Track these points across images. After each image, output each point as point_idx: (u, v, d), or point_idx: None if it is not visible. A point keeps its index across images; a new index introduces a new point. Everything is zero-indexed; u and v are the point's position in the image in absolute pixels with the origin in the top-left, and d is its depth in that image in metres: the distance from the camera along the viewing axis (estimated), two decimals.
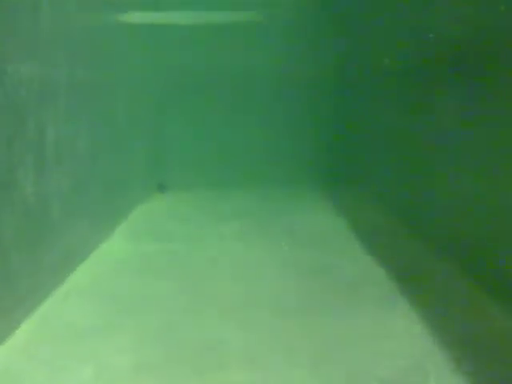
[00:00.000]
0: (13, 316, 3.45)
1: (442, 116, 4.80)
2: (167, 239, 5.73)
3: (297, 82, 8.51)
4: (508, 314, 3.55)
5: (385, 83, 6.50)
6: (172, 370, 2.99)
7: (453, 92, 4.55)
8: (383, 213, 6.38)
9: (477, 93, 4.14)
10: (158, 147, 8.52)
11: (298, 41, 8.51)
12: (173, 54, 8.41)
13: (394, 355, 3.11)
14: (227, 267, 4.78)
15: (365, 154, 7.52)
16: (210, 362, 3.04)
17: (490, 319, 3.52)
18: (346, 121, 8.27)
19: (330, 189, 8.19)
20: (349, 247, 5.32)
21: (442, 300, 3.86)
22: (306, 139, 8.66)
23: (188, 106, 8.53)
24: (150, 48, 8.14)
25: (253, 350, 3.21)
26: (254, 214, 6.93)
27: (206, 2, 8.18)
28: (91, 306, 3.92)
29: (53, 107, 4.24)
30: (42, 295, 3.93)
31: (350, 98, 8.13)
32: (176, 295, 4.12)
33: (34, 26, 3.93)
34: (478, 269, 4.05)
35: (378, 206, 6.65)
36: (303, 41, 8.51)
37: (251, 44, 8.48)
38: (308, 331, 3.47)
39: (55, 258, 4.21)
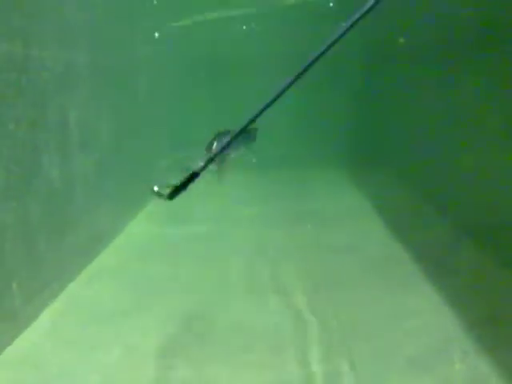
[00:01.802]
0: (40, 299, 3.50)
1: (468, 95, 4.72)
2: (191, 221, 5.74)
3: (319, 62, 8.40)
4: None
5: (411, 64, 6.40)
6: (198, 351, 3.01)
7: (481, 71, 4.47)
8: (408, 193, 6.32)
9: (503, 72, 4.06)
10: (182, 128, 8.50)
11: (323, 17, 8.38)
12: (195, 35, 8.34)
13: (420, 334, 3.10)
14: (252, 248, 4.78)
15: (389, 133, 7.44)
16: (237, 344, 3.06)
17: None
18: (371, 101, 8.17)
19: (355, 169, 8.12)
20: (373, 227, 5.29)
21: (467, 280, 3.82)
22: (329, 120, 8.57)
23: (211, 87, 8.48)
24: (172, 30, 8.12)
25: (279, 329, 3.21)
26: (278, 195, 6.91)
27: None
28: (116, 287, 3.96)
29: (76, 91, 4.26)
30: (68, 277, 3.98)
31: (375, 78, 8.02)
32: (201, 277, 4.13)
33: (57, 11, 3.94)
34: (503, 248, 4.00)
35: (403, 186, 6.58)
36: (329, 17, 8.37)
37: (275, 23, 8.38)
38: (335, 310, 3.47)
39: (81, 241, 4.25)
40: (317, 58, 2.01)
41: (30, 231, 3.43)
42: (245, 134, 2.36)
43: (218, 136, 2.45)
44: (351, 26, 1.85)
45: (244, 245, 4.89)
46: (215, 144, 2.43)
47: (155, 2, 7.14)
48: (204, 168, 2.24)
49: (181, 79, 8.32)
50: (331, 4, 7.87)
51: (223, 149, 2.22)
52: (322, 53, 1.98)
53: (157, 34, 7.56)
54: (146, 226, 5.63)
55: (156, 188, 2.33)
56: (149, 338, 3.16)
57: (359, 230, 5.28)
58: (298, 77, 2.11)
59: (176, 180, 2.11)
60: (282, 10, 8.28)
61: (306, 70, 2.11)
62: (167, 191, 2.26)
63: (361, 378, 2.71)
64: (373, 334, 3.16)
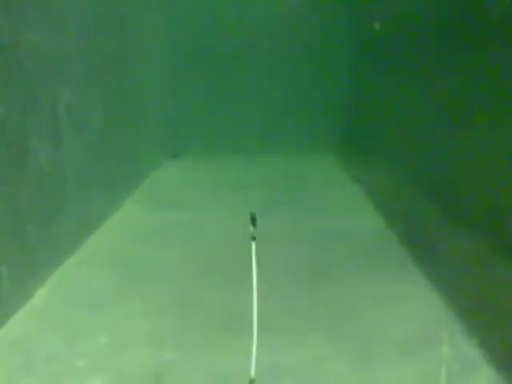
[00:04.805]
0: (28, 284, 3.50)
1: (458, 81, 4.71)
2: (180, 207, 5.73)
3: (309, 47, 8.38)
4: None
5: (401, 48, 6.38)
6: (186, 336, 3.02)
7: (471, 56, 4.46)
8: (398, 179, 6.32)
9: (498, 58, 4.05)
10: (172, 114, 8.49)
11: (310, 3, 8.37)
12: (186, 19, 8.29)
13: (409, 319, 3.12)
14: (240, 235, 4.76)
15: (378, 119, 7.43)
16: (225, 329, 3.06)
17: (506, 286, 3.50)
18: (360, 87, 8.16)
19: (343, 155, 8.13)
20: (364, 213, 5.31)
21: (456, 266, 3.84)
22: (318, 106, 8.56)
23: (202, 73, 8.44)
24: (164, 14, 8.07)
25: (269, 315, 3.21)
26: (266, 182, 6.91)
27: None
28: (105, 273, 3.95)
29: (66, 76, 4.23)
30: (56, 263, 3.97)
31: (364, 63, 7.99)
32: (189, 263, 4.13)
33: None
34: (494, 234, 4.01)
35: (393, 172, 6.58)
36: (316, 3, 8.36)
37: (263, 9, 8.35)
38: (323, 296, 3.49)
39: (69, 227, 4.24)
40: None
41: (19, 215, 3.41)
42: None
43: None
44: None
45: (230, 232, 4.87)
46: None
47: None
48: None
49: (176, 65, 8.31)
50: None
51: None
52: None
53: None
54: (135, 211, 5.62)
55: None
56: (137, 323, 3.16)
57: (349, 215, 5.29)
58: None
59: None
60: None
61: None
62: None
63: (347, 361, 2.73)
64: (360, 317, 3.18)
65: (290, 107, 8.55)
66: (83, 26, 4.67)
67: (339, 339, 2.94)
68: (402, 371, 2.63)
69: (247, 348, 2.85)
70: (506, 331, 2.90)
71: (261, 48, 8.37)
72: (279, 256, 4.18)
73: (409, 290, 3.53)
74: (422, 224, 4.83)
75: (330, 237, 4.64)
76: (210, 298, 3.48)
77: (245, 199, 5.93)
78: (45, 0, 3.87)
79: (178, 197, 6.23)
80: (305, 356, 2.81)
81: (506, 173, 3.89)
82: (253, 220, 2.28)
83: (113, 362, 2.78)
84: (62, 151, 4.14)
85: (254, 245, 2.20)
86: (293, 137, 8.50)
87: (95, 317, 3.26)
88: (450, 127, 4.91)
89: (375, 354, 2.78)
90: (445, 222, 4.69)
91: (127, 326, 3.13)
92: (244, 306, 3.33)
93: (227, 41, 8.30)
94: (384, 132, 7.27)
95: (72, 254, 4.24)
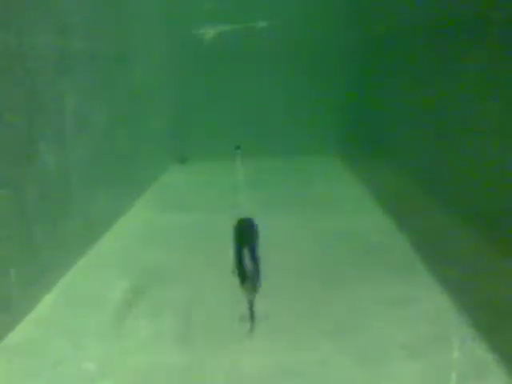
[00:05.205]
0: (37, 288, 3.49)
1: (463, 79, 4.69)
2: (188, 210, 5.72)
3: (308, 47, 8.37)
4: None
5: (402, 45, 6.36)
6: (192, 340, 3.01)
7: (474, 54, 4.44)
8: (404, 180, 6.30)
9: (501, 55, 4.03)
10: (179, 118, 8.48)
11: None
12: (187, 19, 8.29)
13: (417, 322, 3.09)
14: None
15: (383, 119, 7.40)
16: (233, 332, 3.05)
17: None
18: (364, 86, 8.13)
19: (349, 156, 8.09)
20: (370, 213, 5.29)
21: (465, 267, 3.81)
22: (320, 107, 8.54)
23: (208, 77, 8.44)
24: (170, 16, 8.07)
25: (276, 318, 3.20)
26: (272, 183, 6.89)
27: None
28: (114, 275, 3.95)
29: (71, 80, 4.23)
30: (64, 267, 3.97)
31: (365, 62, 7.96)
32: (198, 265, 4.12)
33: None
34: (506, 236, 3.99)
35: (401, 172, 6.56)
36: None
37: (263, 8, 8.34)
38: (331, 298, 3.46)
39: (77, 230, 4.24)
40: None
41: (26, 220, 3.41)
42: None
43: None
44: None
45: None
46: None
47: None
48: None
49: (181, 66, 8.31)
50: None
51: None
52: None
53: None
54: (143, 214, 5.61)
55: None
56: (145, 326, 3.15)
57: (355, 216, 5.27)
58: None
59: None
60: None
61: None
62: None
63: (352, 364, 2.71)
64: (367, 320, 3.17)
65: (294, 109, 8.53)
66: (88, 28, 4.66)
67: (347, 342, 2.92)
68: (411, 374, 2.62)
69: (248, 350, 2.86)
70: None
71: (263, 52, 8.35)
72: (283, 257, 4.16)
73: (417, 291, 3.51)
74: (430, 225, 4.79)
75: (336, 237, 4.62)
76: (216, 301, 3.47)
77: (250, 201, 5.91)
78: (47, 2, 3.87)
79: (185, 200, 6.23)
80: (308, 358, 2.79)
81: None
82: (238, 147, 3.01)
83: (120, 365, 2.77)
84: (69, 154, 4.15)
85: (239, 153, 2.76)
86: (298, 138, 8.47)
87: (103, 320, 3.25)
88: (457, 126, 4.89)
89: (382, 357, 2.76)
90: (454, 222, 4.66)
91: (134, 329, 3.13)
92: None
93: (227, 41, 8.29)
94: (390, 132, 7.24)
95: (80, 257, 4.24)
